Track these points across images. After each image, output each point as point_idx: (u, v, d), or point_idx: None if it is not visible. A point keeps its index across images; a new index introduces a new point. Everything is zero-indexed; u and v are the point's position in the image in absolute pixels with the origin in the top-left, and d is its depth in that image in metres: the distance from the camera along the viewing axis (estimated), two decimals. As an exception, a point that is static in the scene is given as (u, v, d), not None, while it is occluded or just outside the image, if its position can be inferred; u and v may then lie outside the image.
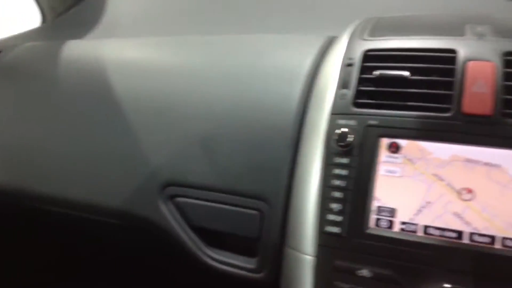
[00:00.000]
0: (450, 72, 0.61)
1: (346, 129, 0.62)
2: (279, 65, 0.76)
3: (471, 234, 0.57)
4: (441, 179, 0.59)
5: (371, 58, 0.66)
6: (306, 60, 0.75)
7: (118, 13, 1.19)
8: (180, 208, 0.74)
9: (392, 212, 0.60)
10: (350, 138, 0.62)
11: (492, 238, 0.56)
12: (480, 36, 0.64)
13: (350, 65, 0.67)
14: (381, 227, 0.60)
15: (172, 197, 0.75)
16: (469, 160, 0.58)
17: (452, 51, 0.62)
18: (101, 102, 0.84)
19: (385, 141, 0.62)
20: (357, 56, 0.67)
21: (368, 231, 0.60)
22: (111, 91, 0.82)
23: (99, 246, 0.99)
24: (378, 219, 0.61)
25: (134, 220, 0.76)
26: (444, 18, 0.73)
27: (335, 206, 0.62)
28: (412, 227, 0.59)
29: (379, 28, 0.72)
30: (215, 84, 0.77)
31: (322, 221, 0.63)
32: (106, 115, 0.82)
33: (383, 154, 0.62)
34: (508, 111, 0.57)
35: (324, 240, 0.62)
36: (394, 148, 0.61)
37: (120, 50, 0.91)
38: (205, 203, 0.72)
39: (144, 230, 0.77)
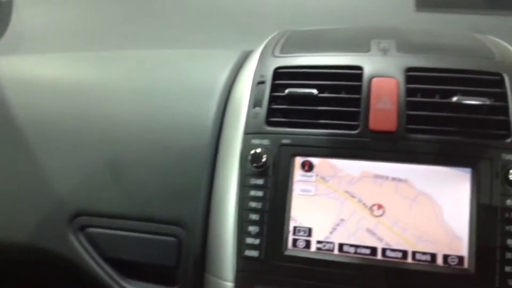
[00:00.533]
0: (357, 89, 0.62)
1: (259, 150, 0.61)
2: (194, 82, 0.74)
3: (384, 249, 0.58)
4: (353, 196, 0.59)
5: (282, 75, 0.66)
6: (221, 77, 0.73)
7: (25, 26, 1.10)
8: (91, 239, 0.69)
9: (308, 231, 0.60)
10: (264, 158, 0.61)
11: (404, 252, 0.57)
12: (385, 51, 0.65)
13: (261, 82, 0.66)
14: (298, 247, 0.60)
15: (82, 227, 0.70)
16: (378, 176, 0.59)
17: (359, 67, 0.63)
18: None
19: (298, 160, 0.61)
20: (269, 73, 0.66)
21: (286, 252, 0.59)
22: (10, 112, 0.75)
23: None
24: (295, 240, 0.60)
25: (41, 255, 0.70)
26: (352, 32, 0.74)
27: (252, 229, 0.61)
28: (328, 246, 0.59)
29: (290, 43, 0.72)
30: (125, 103, 0.72)
31: (240, 245, 0.61)
32: (6, 141, 0.74)
33: (297, 173, 0.61)
34: (411, 126, 0.59)
35: (243, 265, 0.60)
36: (308, 167, 0.61)
37: (22, 67, 0.84)
38: (119, 233, 0.68)
39: (53, 265, 0.71)
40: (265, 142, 0.62)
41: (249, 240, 0.60)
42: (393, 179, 0.59)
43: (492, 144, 0.57)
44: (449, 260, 0.56)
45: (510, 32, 0.97)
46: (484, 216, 0.55)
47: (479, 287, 0.54)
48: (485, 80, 0.61)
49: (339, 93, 0.63)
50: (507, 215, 0.55)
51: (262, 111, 0.64)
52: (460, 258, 0.56)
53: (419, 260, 0.57)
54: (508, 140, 0.57)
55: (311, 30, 0.78)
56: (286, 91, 0.63)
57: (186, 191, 0.65)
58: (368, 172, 0.59)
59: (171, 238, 0.66)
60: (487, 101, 0.58)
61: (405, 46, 0.67)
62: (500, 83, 0.60)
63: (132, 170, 0.68)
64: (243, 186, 0.62)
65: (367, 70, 0.62)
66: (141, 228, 0.67)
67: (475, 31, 0.86)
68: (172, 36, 0.99)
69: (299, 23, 0.95)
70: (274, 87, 0.65)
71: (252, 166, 0.61)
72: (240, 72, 0.72)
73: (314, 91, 0.62)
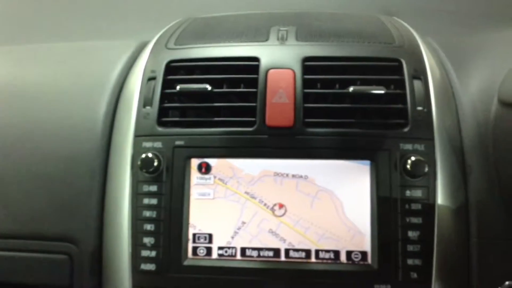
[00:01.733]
0: (254, 82, 0.58)
1: (150, 154, 0.55)
2: (83, 78, 0.66)
3: (287, 250, 0.55)
4: (254, 197, 0.56)
5: (175, 69, 0.60)
6: (113, 72, 0.66)
7: None
8: None
9: (209, 238, 0.56)
10: (156, 162, 0.55)
11: (307, 252, 0.55)
12: (283, 40, 0.61)
13: (152, 78, 0.60)
14: (199, 255, 0.56)
15: None
16: (278, 174, 0.56)
17: (255, 59, 0.59)
18: None
19: (194, 162, 0.57)
20: (160, 68, 0.60)
21: (186, 262, 0.55)
22: None
23: None
24: (195, 248, 0.56)
25: None
26: (254, 18, 0.70)
27: (148, 240, 0.56)
28: (230, 251, 0.56)
29: (188, 33, 0.67)
30: (4, 105, 0.64)
31: (136, 259, 0.56)
32: None
33: (194, 176, 0.57)
34: (309, 120, 0.56)
35: (140, 280, 0.56)
36: (205, 169, 0.57)
37: None
38: (4, 254, 0.60)
39: None
40: (157, 144, 0.57)
41: (145, 253, 0.56)
42: (294, 176, 0.56)
43: (390, 135, 0.55)
44: (353, 256, 0.55)
45: (419, 11, 0.97)
46: (384, 209, 0.54)
47: (382, 282, 0.53)
48: (384, 67, 0.59)
49: (238, 87, 0.59)
50: (407, 206, 0.54)
51: (153, 110, 0.58)
52: (363, 254, 0.54)
53: (323, 259, 0.55)
54: (406, 129, 0.55)
55: (212, 17, 0.73)
56: (178, 87, 0.58)
57: (75, 203, 0.59)
58: (267, 171, 0.56)
59: (62, 256, 0.59)
60: (383, 90, 0.56)
61: (305, 33, 0.63)
62: (399, 69, 0.58)
63: (12, 183, 0.60)
64: (136, 194, 0.57)
65: (264, 61, 0.58)
66: (29, 246, 0.60)
67: (386, 12, 0.85)
68: (69, 27, 0.90)
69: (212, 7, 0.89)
70: (167, 83, 0.59)
71: (143, 172, 0.56)
72: (133, 66, 0.66)
73: (208, 86, 0.57)
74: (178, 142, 0.57)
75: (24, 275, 0.60)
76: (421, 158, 0.53)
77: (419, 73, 0.58)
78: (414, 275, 0.53)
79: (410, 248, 0.53)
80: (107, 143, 0.61)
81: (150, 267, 0.55)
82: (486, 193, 0.56)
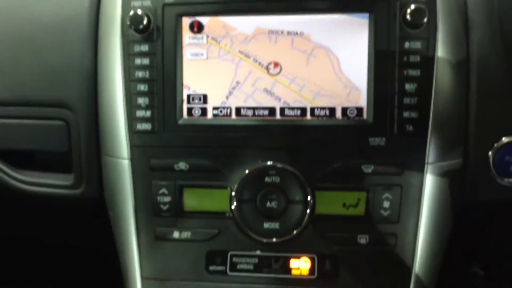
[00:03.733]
0: None
1: (139, 11, 0.53)
2: None
3: (282, 109, 0.55)
4: (248, 56, 0.55)
5: None
6: None
7: None
8: None
9: (203, 98, 0.56)
10: (145, 20, 0.53)
11: (303, 110, 0.55)
12: None
13: None
14: (194, 116, 0.56)
15: None
16: (272, 32, 0.54)
17: None
18: None
19: (186, 21, 0.55)
20: None
21: (181, 121, 0.55)
22: None
23: None
24: (190, 109, 0.56)
25: None
26: None
27: (142, 100, 0.56)
28: (225, 111, 0.55)
29: None
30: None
31: (131, 119, 0.56)
32: None
33: (186, 36, 0.55)
34: None
35: (137, 139, 0.56)
36: (197, 28, 0.55)
37: None
38: (2, 121, 0.61)
39: None
40: (147, 3, 0.55)
41: (140, 113, 0.56)
42: (289, 33, 0.54)
43: None
44: (348, 112, 0.54)
45: None
46: (382, 63, 0.52)
47: (377, 135, 0.53)
48: None
49: None
50: (405, 59, 0.52)
51: None
52: (359, 110, 0.54)
53: (318, 116, 0.54)
54: None
55: None
56: None
57: (67, 69, 0.58)
58: (262, 28, 0.54)
59: (59, 122, 0.60)
60: None
61: None
62: None
63: (3, 49, 0.59)
64: (128, 55, 0.56)
65: None
66: (25, 113, 0.60)
67: None
68: None
69: None
70: None
71: (133, 31, 0.54)
72: None
73: None
74: (168, 0, 0.54)
75: (25, 141, 0.61)
76: (422, 6, 0.50)
77: None
78: (410, 127, 0.52)
79: (406, 101, 0.52)
80: (96, 7, 0.59)
81: (146, 126, 0.56)
82: (489, 49, 0.54)
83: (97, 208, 0.60)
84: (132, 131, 0.56)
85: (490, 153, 0.55)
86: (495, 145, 0.55)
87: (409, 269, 0.54)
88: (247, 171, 0.55)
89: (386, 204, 0.54)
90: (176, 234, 0.56)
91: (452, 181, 0.55)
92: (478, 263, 1.15)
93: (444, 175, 0.54)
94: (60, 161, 0.62)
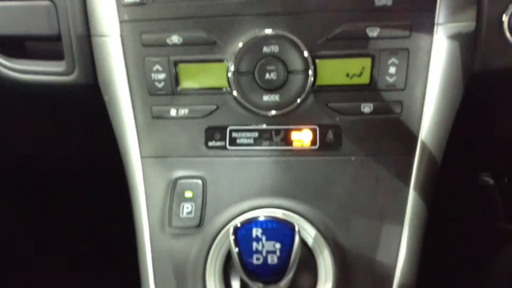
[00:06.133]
0: None
1: None
2: None
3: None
4: None
5: None
6: None
7: None
8: None
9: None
10: None
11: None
12: None
13: None
14: None
15: None
16: None
17: None
18: None
19: None
20: None
21: None
22: None
23: None
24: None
25: None
26: None
27: None
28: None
29: None
30: None
31: None
32: None
33: None
34: None
35: (126, 14, 0.53)
36: None
37: None
38: None
39: None
40: None
41: None
42: None
43: None
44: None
45: None
46: None
47: None
48: None
49: None
50: None
51: None
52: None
53: None
54: None
55: None
56: None
57: None
58: None
59: (46, 2, 0.56)
60: None
61: None
62: None
63: None
64: None
65: None
66: None
67: None
68: None
69: None
70: None
71: None
72: None
73: None
74: None
75: (13, 26, 0.58)
76: None
77: None
78: None
79: None
80: None
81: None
82: None
83: (91, 95, 0.59)
84: (120, 3, 0.53)
85: (504, 17, 0.51)
86: (510, 6, 0.51)
87: (415, 137, 0.52)
88: (244, 42, 0.51)
89: (392, 69, 0.51)
90: (173, 112, 0.55)
91: (463, 45, 0.51)
92: (489, 173, 1.15)
93: (454, 37, 0.50)
94: (51, 51, 0.60)
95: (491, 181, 1.15)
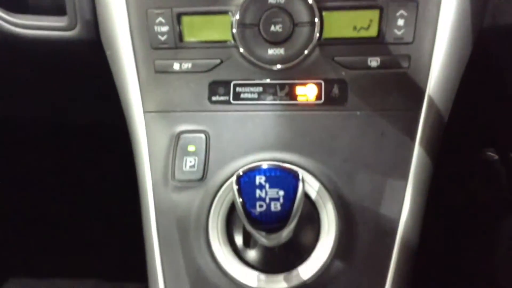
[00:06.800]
0: None
1: None
2: None
3: None
4: None
5: None
6: None
7: None
8: None
9: None
10: None
11: None
12: None
13: None
14: None
15: None
16: None
17: None
18: None
19: None
20: None
21: None
22: None
23: None
24: None
25: None
26: None
27: None
28: None
29: None
30: None
31: None
32: None
33: None
34: None
35: None
36: None
37: None
38: None
39: None
40: None
41: None
42: None
43: None
44: None
45: None
46: None
47: None
48: None
49: None
50: None
51: None
52: None
53: None
54: None
55: None
56: None
57: None
58: None
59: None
60: None
61: None
62: None
63: None
64: None
65: None
66: None
67: None
68: None
69: None
70: None
71: None
72: None
73: None
74: None
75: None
76: None
77: None
78: None
79: None
80: None
81: None
82: None
83: (93, 51, 0.58)
84: None
85: (517, -30, 0.50)
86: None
87: (422, 92, 0.51)
88: None
89: (400, 22, 0.50)
90: (176, 66, 0.54)
91: (473, -1, 0.50)
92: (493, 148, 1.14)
93: None
94: (54, 6, 0.59)
95: (496, 156, 1.14)
